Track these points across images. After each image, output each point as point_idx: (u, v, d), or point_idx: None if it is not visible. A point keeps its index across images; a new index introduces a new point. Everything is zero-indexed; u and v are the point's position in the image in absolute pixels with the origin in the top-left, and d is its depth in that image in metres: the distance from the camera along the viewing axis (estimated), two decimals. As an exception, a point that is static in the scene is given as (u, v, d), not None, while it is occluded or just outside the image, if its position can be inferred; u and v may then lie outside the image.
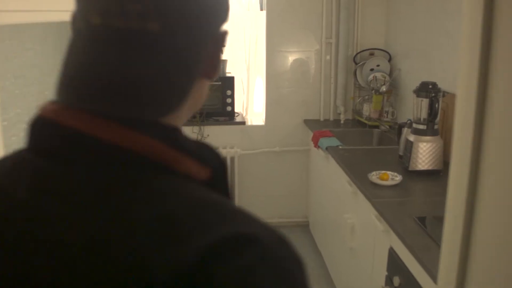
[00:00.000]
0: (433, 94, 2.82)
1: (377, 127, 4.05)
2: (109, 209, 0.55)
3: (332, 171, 3.44)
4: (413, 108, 2.96)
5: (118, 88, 0.60)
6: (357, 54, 4.28)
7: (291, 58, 4.34)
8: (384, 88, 3.92)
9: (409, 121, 3.20)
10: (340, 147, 3.48)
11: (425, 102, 2.85)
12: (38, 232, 0.55)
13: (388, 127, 3.96)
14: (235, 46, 4.48)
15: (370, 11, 4.30)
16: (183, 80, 0.64)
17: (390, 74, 4.08)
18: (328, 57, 4.35)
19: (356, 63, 4.29)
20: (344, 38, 4.25)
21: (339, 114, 4.39)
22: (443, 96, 2.88)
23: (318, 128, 4.07)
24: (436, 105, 2.79)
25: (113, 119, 0.59)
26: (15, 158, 0.63)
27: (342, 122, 4.33)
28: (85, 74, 0.61)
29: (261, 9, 4.50)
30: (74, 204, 0.56)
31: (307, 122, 4.36)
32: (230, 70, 4.38)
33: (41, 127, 0.61)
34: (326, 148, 3.50)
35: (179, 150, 0.61)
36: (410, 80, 3.83)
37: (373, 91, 4.00)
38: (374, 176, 2.80)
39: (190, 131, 4.33)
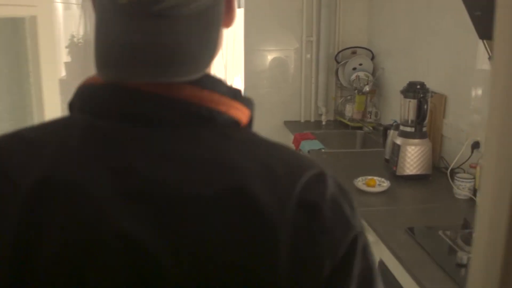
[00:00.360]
0: (421, 95, 2.67)
1: (360, 128, 3.90)
2: (224, 164, 0.63)
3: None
4: (400, 109, 2.81)
5: (174, 56, 0.62)
6: (338, 52, 4.13)
7: (270, 57, 4.16)
8: (367, 88, 3.78)
9: (395, 123, 3.05)
10: (322, 150, 3.32)
11: (413, 103, 2.70)
12: (174, 189, 0.61)
13: (371, 128, 3.81)
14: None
15: (351, 8, 4.15)
16: (215, 34, 0.68)
17: (373, 73, 3.93)
18: (308, 55, 4.19)
19: (337, 62, 4.13)
20: (325, 36, 4.08)
21: (321, 115, 4.23)
22: (431, 96, 2.74)
23: (299, 130, 3.91)
24: (425, 107, 2.64)
25: (183, 83, 0.64)
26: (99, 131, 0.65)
27: (323, 123, 4.17)
28: (141, 49, 0.62)
29: (239, 7, 4.32)
30: (196, 162, 0.63)
31: (287, 123, 4.20)
32: (206, 69, 4.17)
33: (120, 94, 0.64)
34: (308, 152, 3.33)
35: (238, 101, 0.68)
36: (394, 80, 3.68)
37: (356, 91, 3.85)
38: (360, 182, 2.64)
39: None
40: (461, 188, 2.48)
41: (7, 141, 0.66)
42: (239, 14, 4.15)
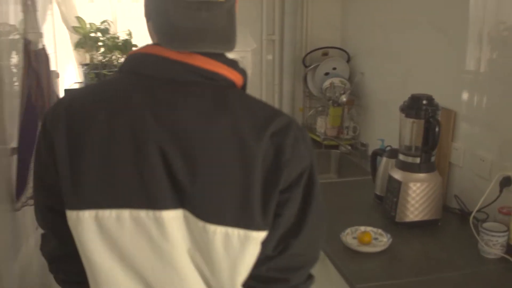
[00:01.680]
0: (430, 114, 1.94)
1: (335, 147, 3.17)
2: (234, 110, 0.96)
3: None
4: (400, 132, 2.08)
5: (218, 36, 0.98)
6: (307, 54, 3.38)
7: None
8: (344, 98, 3.04)
9: (388, 148, 2.32)
10: (292, 181, 2.56)
11: (418, 125, 1.98)
12: (191, 125, 0.94)
13: (349, 147, 3.07)
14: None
15: (321, 1, 3.42)
16: (236, 21, 1.01)
17: (350, 79, 3.20)
18: (270, 57, 3.43)
19: (306, 66, 3.39)
20: (290, 34, 3.34)
21: (286, 130, 3.49)
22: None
23: (261, 150, 3.16)
24: (436, 129, 1.91)
25: (213, 58, 0.98)
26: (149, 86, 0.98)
27: (290, 140, 3.42)
28: (198, 31, 0.96)
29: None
30: (206, 107, 0.95)
31: (245, 141, 3.44)
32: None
33: (170, 64, 0.97)
34: (274, 184, 2.58)
35: (241, 74, 1.03)
36: (377, 87, 2.96)
37: (330, 102, 3.10)
38: (349, 237, 1.90)
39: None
40: (491, 244, 1.77)
41: (86, 91, 1.09)
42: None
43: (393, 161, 2.22)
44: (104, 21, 3.36)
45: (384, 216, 2.11)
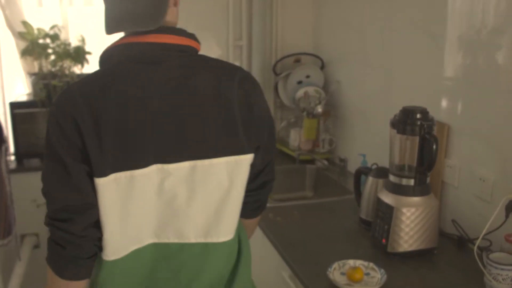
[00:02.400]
0: (425, 129, 1.70)
1: (310, 161, 2.91)
2: (208, 72, 1.21)
3: (259, 245, 2.25)
4: (391, 149, 1.83)
5: (143, 17, 1.17)
6: (277, 61, 3.12)
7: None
8: (319, 109, 2.79)
9: (374, 166, 2.07)
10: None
11: (412, 142, 1.73)
12: (182, 84, 1.18)
13: (326, 162, 2.82)
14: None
15: (292, 4, 3.16)
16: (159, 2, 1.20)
17: (326, 88, 2.95)
18: (237, 63, 3.14)
19: (276, 74, 3.13)
20: (259, 39, 3.08)
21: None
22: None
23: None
24: (434, 147, 1.67)
25: (176, 34, 1.22)
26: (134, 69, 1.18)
27: (260, 155, 3.15)
28: (129, 14, 1.18)
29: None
30: (190, 69, 1.20)
31: (212, 156, 3.15)
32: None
33: (146, 47, 1.18)
34: (246, 207, 2.30)
35: (194, 39, 1.25)
36: (355, 96, 2.72)
37: (305, 113, 2.85)
38: (337, 273, 1.64)
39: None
40: (500, 279, 1.54)
41: (98, 75, 1.18)
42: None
43: (380, 181, 1.98)
44: (53, 26, 3.03)
45: (373, 245, 1.86)
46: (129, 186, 1.14)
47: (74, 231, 1.14)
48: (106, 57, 1.21)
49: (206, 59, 1.25)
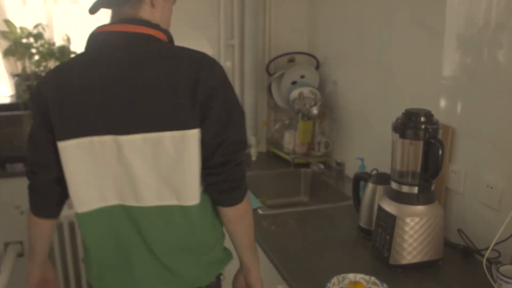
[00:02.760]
0: (430, 133, 1.59)
1: (305, 165, 2.80)
2: (165, 55, 1.36)
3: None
4: (393, 155, 1.72)
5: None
6: (271, 61, 3.00)
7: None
8: (315, 111, 2.67)
9: (374, 171, 1.97)
10: (260, 210, 2.18)
11: (415, 147, 1.62)
12: (143, 69, 1.33)
13: (322, 165, 2.71)
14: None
15: (286, 1, 3.05)
16: None
17: (321, 89, 2.84)
18: (229, 64, 3.04)
19: (270, 74, 3.01)
20: (251, 38, 2.95)
21: (249, 146, 3.10)
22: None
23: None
24: (439, 153, 1.56)
25: (138, 24, 1.37)
26: (100, 54, 1.38)
27: (253, 158, 3.03)
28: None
29: None
30: (151, 58, 1.35)
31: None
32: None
33: (110, 35, 1.38)
34: (239, 214, 2.18)
35: (164, 33, 1.42)
36: (352, 97, 2.61)
37: (300, 115, 2.73)
38: (337, 289, 1.53)
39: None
40: (511, 294, 1.43)
41: (72, 59, 1.44)
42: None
43: (380, 187, 1.87)
44: (37, 25, 2.90)
45: (374, 256, 1.75)
46: (90, 151, 1.36)
47: (39, 181, 1.49)
48: (86, 44, 1.43)
49: (168, 46, 1.42)
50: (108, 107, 1.33)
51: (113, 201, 1.42)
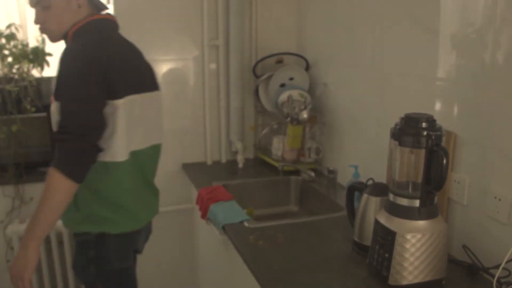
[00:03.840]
0: (433, 140, 1.43)
1: (295, 173, 2.63)
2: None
3: (238, 272, 1.97)
4: (391, 164, 1.56)
5: None
6: (257, 62, 2.84)
7: (158, 69, 2.78)
8: (305, 115, 2.51)
9: (370, 181, 1.81)
10: (246, 223, 2.01)
11: (417, 156, 1.46)
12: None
13: (312, 173, 2.55)
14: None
15: (273, 0, 2.90)
16: None
17: (311, 92, 2.68)
18: (213, 66, 2.87)
19: (257, 76, 2.85)
20: (237, 38, 2.79)
21: (235, 153, 2.93)
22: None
23: (205, 177, 2.60)
24: (443, 162, 1.40)
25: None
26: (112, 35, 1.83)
27: (240, 165, 2.86)
28: None
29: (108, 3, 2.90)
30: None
31: (187, 167, 2.86)
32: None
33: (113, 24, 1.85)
34: (223, 228, 2.02)
35: None
36: (344, 101, 2.46)
37: (288, 119, 2.57)
38: (331, 316, 1.36)
39: (0, 193, 2.69)
40: (526, 320, 1.27)
41: (99, 38, 1.74)
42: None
43: (376, 199, 1.71)
44: (9, 25, 2.72)
45: (371, 275, 1.59)
46: (141, 104, 1.79)
47: (90, 141, 1.63)
48: (90, 28, 1.76)
49: None
50: (144, 70, 1.87)
51: (145, 144, 1.87)
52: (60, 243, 2.75)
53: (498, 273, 1.40)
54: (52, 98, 1.71)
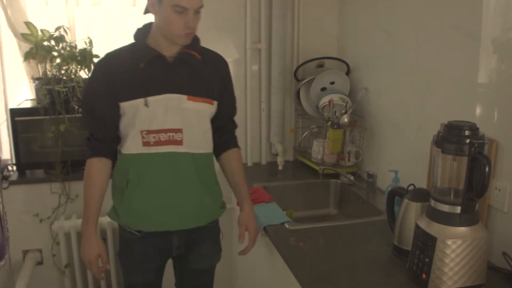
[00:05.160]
0: (476, 148, 1.45)
1: (334, 176, 2.66)
2: None
3: (279, 273, 2.01)
4: (433, 170, 1.58)
5: None
6: (299, 66, 2.88)
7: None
8: (346, 119, 2.54)
9: (411, 187, 1.83)
10: (287, 225, 2.06)
11: (460, 163, 1.48)
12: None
13: (351, 177, 2.58)
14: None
15: (315, 4, 2.93)
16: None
17: (352, 96, 2.71)
18: (255, 68, 2.93)
19: (298, 80, 2.89)
20: (279, 42, 2.84)
21: (275, 155, 2.98)
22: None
23: (246, 179, 2.65)
24: (486, 170, 1.42)
25: None
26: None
27: (280, 168, 2.91)
28: None
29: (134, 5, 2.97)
30: None
31: (228, 168, 2.91)
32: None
33: None
34: (265, 229, 2.07)
35: None
36: (385, 105, 2.48)
37: (329, 124, 2.60)
38: (371, 318, 1.39)
39: (48, 190, 2.79)
40: None
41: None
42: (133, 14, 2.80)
43: (417, 205, 1.74)
44: (58, 28, 2.82)
45: (410, 279, 1.61)
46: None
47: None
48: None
49: None
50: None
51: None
52: (103, 239, 2.84)
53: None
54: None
